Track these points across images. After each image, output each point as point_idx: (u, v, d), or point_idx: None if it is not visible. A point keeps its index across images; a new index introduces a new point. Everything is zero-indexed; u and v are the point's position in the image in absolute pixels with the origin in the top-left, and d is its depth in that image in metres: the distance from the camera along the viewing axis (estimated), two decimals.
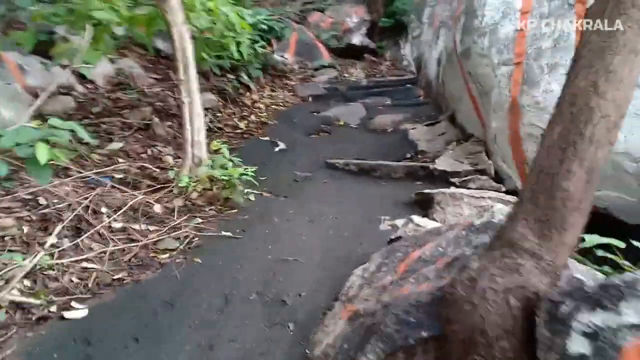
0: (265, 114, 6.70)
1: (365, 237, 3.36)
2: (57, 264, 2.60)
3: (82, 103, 4.86)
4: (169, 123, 5.16)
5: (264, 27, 7.10)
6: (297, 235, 3.35)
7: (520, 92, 3.87)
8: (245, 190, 3.84)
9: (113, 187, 3.53)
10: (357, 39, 10.76)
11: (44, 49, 4.16)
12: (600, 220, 2.49)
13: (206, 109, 5.48)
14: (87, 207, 3.13)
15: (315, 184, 4.53)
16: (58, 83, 4.16)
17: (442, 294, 1.70)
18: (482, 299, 1.47)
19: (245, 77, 7.03)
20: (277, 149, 5.47)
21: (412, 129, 5.88)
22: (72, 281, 2.56)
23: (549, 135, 1.53)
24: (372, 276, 2.38)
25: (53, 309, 2.34)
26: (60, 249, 2.72)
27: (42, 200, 3.03)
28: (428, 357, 1.67)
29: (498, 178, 4.34)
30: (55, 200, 3.07)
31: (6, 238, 2.65)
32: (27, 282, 2.44)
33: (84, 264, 2.70)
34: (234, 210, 3.67)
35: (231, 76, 6.81)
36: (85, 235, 2.90)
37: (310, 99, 7.76)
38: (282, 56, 9.13)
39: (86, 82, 5.23)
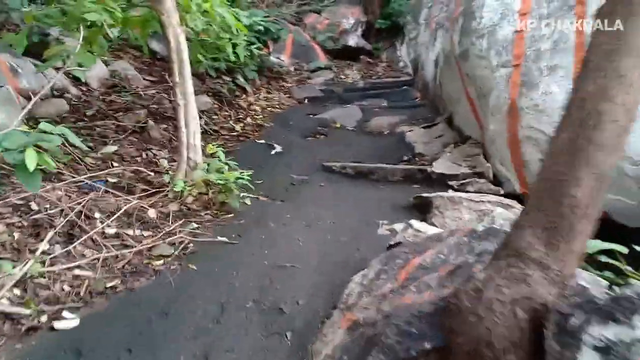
0: (261, 116, 6.66)
1: (363, 241, 3.31)
2: (48, 271, 2.53)
3: (76, 106, 4.79)
4: (164, 126, 5.09)
5: (260, 28, 7.06)
6: (293, 240, 3.29)
7: (519, 94, 3.83)
8: (242, 194, 3.78)
9: (107, 191, 3.46)
10: (353, 41, 10.75)
11: (37, 50, 4.09)
12: (600, 224, 2.45)
13: (202, 112, 5.44)
14: (80, 212, 3.06)
15: (312, 188, 4.47)
16: (51, 85, 4.09)
17: (445, 304, 1.64)
18: (489, 310, 1.42)
19: (241, 79, 6.99)
20: (273, 152, 5.42)
21: (409, 131, 5.84)
22: (63, 289, 2.49)
23: (557, 141, 1.48)
24: (372, 283, 2.32)
25: (43, 318, 2.27)
26: (52, 255, 2.64)
27: (33, 206, 2.96)
28: None
29: (496, 181, 4.31)
30: (48, 206, 3.00)
31: None
32: (17, 291, 2.36)
33: (76, 272, 2.62)
34: (229, 215, 3.61)
35: (227, 78, 6.76)
36: (78, 241, 2.83)
37: (306, 101, 7.73)
38: (278, 58, 9.10)
39: (80, 84, 5.15)
